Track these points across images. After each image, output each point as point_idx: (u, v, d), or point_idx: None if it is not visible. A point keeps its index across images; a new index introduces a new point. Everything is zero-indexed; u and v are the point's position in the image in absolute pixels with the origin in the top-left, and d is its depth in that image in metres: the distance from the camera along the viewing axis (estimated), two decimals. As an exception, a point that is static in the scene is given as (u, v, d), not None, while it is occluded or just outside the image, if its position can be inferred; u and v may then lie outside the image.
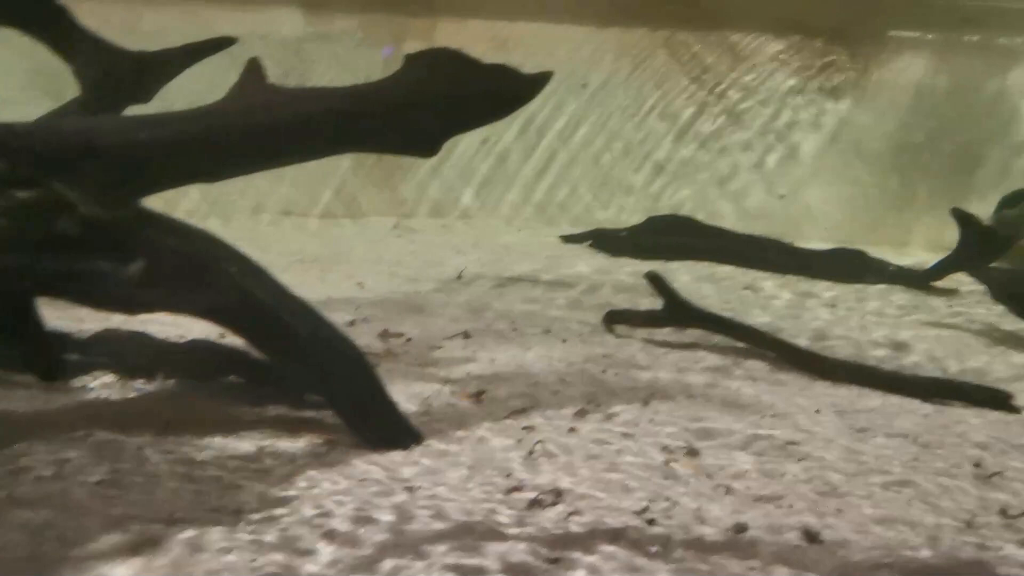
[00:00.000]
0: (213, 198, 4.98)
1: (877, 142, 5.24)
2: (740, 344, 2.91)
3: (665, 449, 2.10)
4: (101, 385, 2.34)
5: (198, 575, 1.49)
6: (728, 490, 1.91)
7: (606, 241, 4.60)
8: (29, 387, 2.27)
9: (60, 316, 2.30)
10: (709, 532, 1.73)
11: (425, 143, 2.24)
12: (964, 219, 3.97)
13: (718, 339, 2.96)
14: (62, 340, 2.33)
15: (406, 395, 2.38)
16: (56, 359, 2.05)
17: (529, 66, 2.17)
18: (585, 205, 5.26)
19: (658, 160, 5.30)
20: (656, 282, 3.01)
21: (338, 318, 3.07)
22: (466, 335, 2.91)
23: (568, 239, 4.68)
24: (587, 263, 4.27)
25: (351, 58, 5.01)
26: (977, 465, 2.07)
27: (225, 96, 1.97)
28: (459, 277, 3.64)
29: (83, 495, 1.76)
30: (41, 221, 1.53)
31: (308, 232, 4.62)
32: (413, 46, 5.21)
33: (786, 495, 1.89)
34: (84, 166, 1.74)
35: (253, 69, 2.01)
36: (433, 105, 2.18)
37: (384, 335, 2.85)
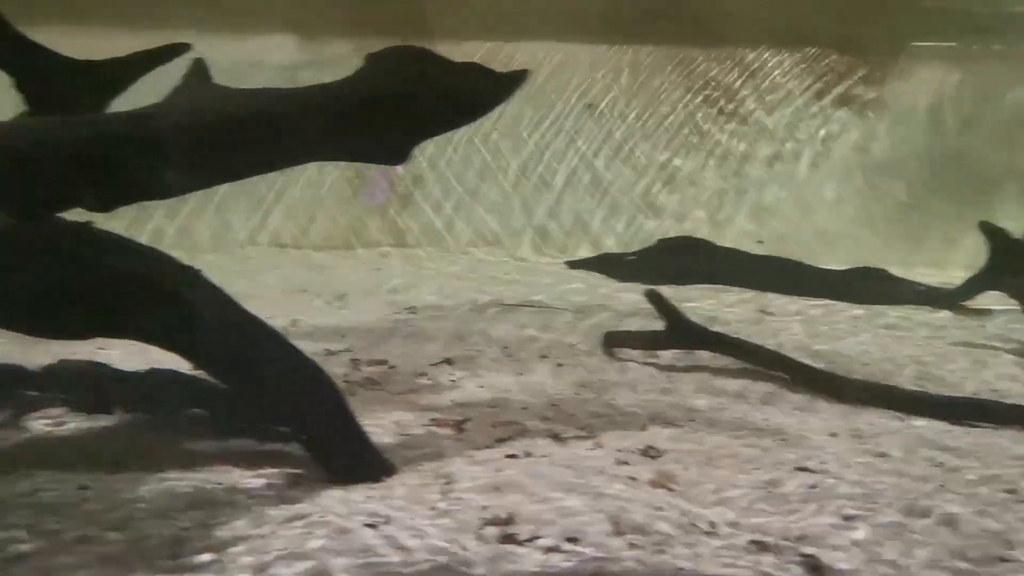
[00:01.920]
0: (212, 230, 4.86)
1: (899, 156, 5.03)
2: (749, 366, 2.69)
3: (662, 478, 1.88)
4: (53, 422, 2.17)
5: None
6: (729, 522, 1.70)
7: (613, 266, 4.39)
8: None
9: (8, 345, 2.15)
10: (701, 569, 1.51)
11: (391, 150, 2.07)
12: (992, 233, 3.74)
13: (726, 361, 2.75)
14: (10, 373, 2.17)
15: (383, 425, 2.20)
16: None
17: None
18: (594, 230, 5.07)
19: (668, 181, 5.11)
20: (657, 301, 2.81)
21: (320, 347, 2.90)
22: (449, 361, 2.71)
23: (573, 265, 4.48)
24: (592, 288, 4.08)
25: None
26: (1011, 491, 1.83)
27: (165, 98, 1.81)
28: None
29: (8, 543, 1.58)
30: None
31: (302, 263, 4.46)
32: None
33: (794, 525, 1.67)
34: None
35: (198, 69, 1.85)
36: (397, 107, 2.02)
37: (366, 363, 2.66)
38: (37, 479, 1.85)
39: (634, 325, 3.35)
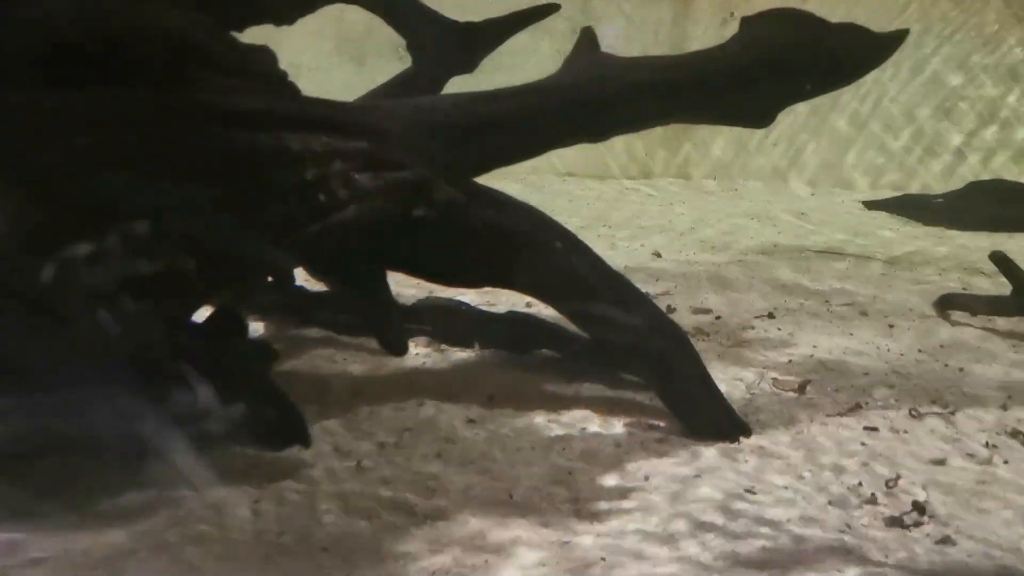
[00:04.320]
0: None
1: None
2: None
3: (1042, 469, 1.82)
4: (424, 353, 2.39)
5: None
6: None
7: (917, 208, 4.17)
8: (360, 350, 2.37)
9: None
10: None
11: (760, 112, 2.07)
12: None
13: (1080, 333, 2.56)
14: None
15: (723, 380, 2.24)
16: (402, 332, 2.09)
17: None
18: (883, 167, 4.79)
19: (983, 121, 4.71)
20: (1003, 264, 2.64)
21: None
22: (771, 315, 2.71)
23: (871, 205, 4.29)
24: (897, 233, 3.89)
25: (638, 12, 4.85)
26: None
27: (560, 69, 1.90)
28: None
29: (423, 467, 1.78)
30: (406, 201, 1.53)
31: (593, 194, 4.55)
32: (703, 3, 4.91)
33: None
34: (426, 145, 1.73)
35: (587, 38, 1.92)
36: (773, 72, 2.00)
37: (689, 311, 2.71)
38: (428, 409, 2.07)
39: (954, 280, 3.18)
